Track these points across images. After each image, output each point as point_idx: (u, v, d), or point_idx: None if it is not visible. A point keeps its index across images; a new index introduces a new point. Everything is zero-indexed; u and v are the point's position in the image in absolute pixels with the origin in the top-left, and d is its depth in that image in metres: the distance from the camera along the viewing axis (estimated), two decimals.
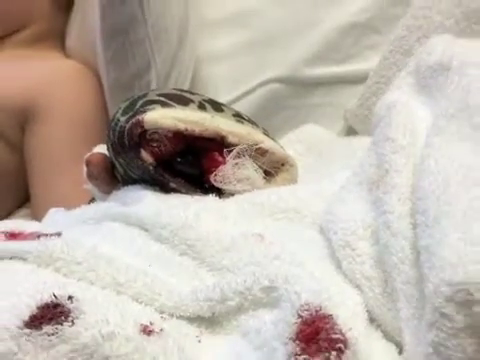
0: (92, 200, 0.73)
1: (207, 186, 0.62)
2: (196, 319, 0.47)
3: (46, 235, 0.53)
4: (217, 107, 0.64)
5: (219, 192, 0.61)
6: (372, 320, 0.46)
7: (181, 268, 0.51)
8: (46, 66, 0.97)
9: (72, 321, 0.41)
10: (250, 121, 0.66)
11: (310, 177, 0.70)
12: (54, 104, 0.93)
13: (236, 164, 0.61)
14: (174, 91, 0.65)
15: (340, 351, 0.38)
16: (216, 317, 0.47)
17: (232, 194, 0.61)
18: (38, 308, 0.42)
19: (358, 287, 0.47)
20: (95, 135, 0.92)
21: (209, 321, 0.47)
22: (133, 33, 0.87)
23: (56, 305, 0.42)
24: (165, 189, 0.62)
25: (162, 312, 0.47)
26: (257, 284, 0.46)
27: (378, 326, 0.46)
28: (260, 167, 0.63)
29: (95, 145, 0.72)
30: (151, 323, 0.44)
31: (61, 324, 0.41)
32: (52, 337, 0.40)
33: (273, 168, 0.64)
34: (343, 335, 0.39)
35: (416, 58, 0.62)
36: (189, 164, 0.62)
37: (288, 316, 0.41)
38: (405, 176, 0.49)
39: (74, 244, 0.50)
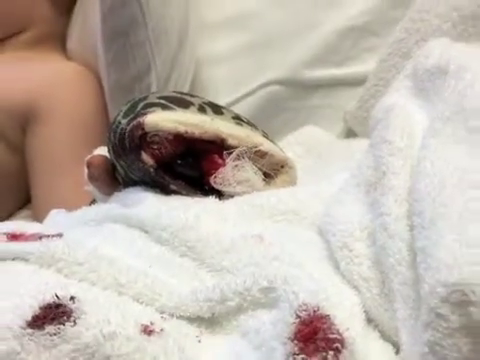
0: (93, 201, 0.73)
1: (207, 188, 0.62)
2: (196, 319, 0.47)
3: (48, 236, 0.53)
4: (217, 110, 0.65)
5: (219, 194, 0.61)
6: (369, 320, 0.46)
7: (181, 269, 0.52)
8: (47, 68, 0.98)
9: (74, 321, 0.42)
10: (249, 123, 0.66)
11: (309, 179, 0.71)
12: (55, 106, 0.93)
13: (236, 166, 0.61)
14: (174, 94, 0.65)
15: (337, 351, 0.39)
16: (216, 317, 0.47)
17: (232, 196, 0.61)
18: (40, 308, 0.43)
19: (356, 288, 0.47)
20: (96, 137, 0.92)
21: (209, 321, 0.47)
22: (134, 36, 0.88)
23: (58, 305, 0.43)
24: (165, 191, 0.62)
25: (162, 312, 0.47)
26: (256, 285, 0.46)
27: (375, 326, 0.46)
28: (259, 169, 0.63)
29: (96, 147, 0.73)
30: (152, 323, 0.44)
31: (63, 324, 0.42)
32: (54, 337, 0.41)
33: (272, 170, 0.64)
34: (340, 335, 0.40)
35: (414, 61, 0.62)
36: (189, 166, 0.62)
37: (286, 316, 0.41)
38: (402, 178, 0.49)
39: (76, 245, 0.50)
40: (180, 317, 0.47)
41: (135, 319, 0.44)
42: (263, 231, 0.54)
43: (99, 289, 0.47)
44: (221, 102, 0.90)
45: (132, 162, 0.62)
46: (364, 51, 0.97)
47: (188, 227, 0.54)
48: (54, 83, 0.95)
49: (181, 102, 0.63)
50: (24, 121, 0.92)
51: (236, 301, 0.46)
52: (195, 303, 0.47)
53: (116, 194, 0.66)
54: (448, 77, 0.54)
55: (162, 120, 0.60)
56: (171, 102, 0.63)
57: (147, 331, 0.43)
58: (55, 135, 0.92)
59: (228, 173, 0.61)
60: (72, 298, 0.44)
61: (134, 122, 0.60)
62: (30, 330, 0.41)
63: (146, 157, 0.61)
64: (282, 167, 0.65)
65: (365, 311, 0.46)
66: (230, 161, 0.61)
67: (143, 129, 0.60)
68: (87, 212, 0.64)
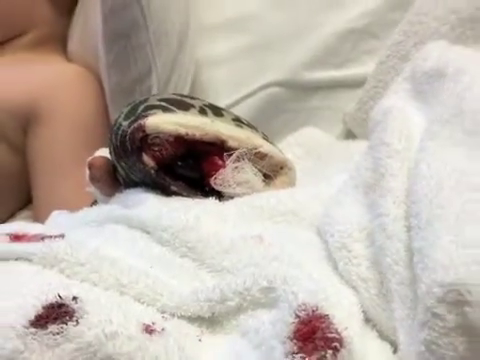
0: (94, 203, 0.74)
1: (207, 189, 0.62)
2: (197, 319, 0.48)
3: (50, 237, 0.54)
4: (217, 112, 0.65)
5: (219, 195, 0.62)
6: (368, 320, 0.47)
7: (182, 269, 0.52)
8: (48, 70, 0.98)
9: (76, 321, 0.42)
10: (249, 125, 0.67)
11: (308, 180, 0.71)
12: (56, 107, 0.93)
13: (236, 168, 0.62)
14: (175, 96, 0.66)
15: (336, 350, 0.39)
16: (216, 317, 0.48)
17: (232, 197, 0.62)
18: (43, 308, 0.43)
19: (354, 288, 0.48)
20: (96, 138, 0.92)
21: (209, 321, 0.48)
22: (135, 38, 0.88)
23: (61, 305, 0.43)
24: (166, 192, 0.63)
25: (163, 312, 0.48)
26: (256, 285, 0.47)
27: (373, 326, 0.47)
28: (259, 171, 0.64)
29: (96, 148, 0.73)
30: (153, 323, 0.45)
31: (66, 323, 0.42)
32: (57, 336, 0.42)
33: (272, 171, 0.65)
34: (339, 334, 0.40)
35: (412, 64, 0.63)
36: (190, 168, 0.63)
37: (286, 316, 0.42)
38: (400, 180, 0.50)
39: (78, 246, 0.51)
40: (181, 317, 0.48)
41: (137, 319, 0.44)
42: (263, 232, 0.55)
43: (101, 289, 0.48)
44: (221, 103, 0.90)
45: (133, 164, 0.63)
46: (363, 53, 0.97)
47: (189, 228, 0.54)
48: (55, 85, 0.95)
49: (182, 104, 0.64)
50: (25, 122, 0.93)
51: (236, 301, 0.47)
52: (196, 303, 0.48)
53: (117, 195, 0.67)
54: (446, 80, 0.55)
55: (163, 122, 0.61)
56: (172, 104, 0.63)
57: (148, 330, 0.44)
58: (56, 136, 0.92)
59: (228, 174, 0.62)
60: (74, 298, 0.44)
61: (135, 124, 0.61)
62: (33, 329, 0.42)
63: (147, 159, 0.61)
64: (281, 168, 0.66)
65: (363, 311, 0.47)
66: (230, 163, 0.62)
67: (144, 131, 0.60)
68: (89, 213, 0.65)
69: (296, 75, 0.97)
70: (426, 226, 0.43)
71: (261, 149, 0.64)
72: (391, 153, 0.52)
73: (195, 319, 0.48)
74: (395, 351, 0.45)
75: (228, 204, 0.60)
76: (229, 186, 0.61)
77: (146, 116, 0.61)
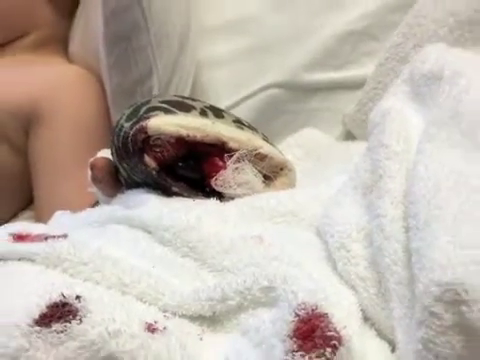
0: (96, 203, 0.74)
1: (208, 190, 0.63)
2: (198, 318, 0.48)
3: (53, 237, 0.54)
4: (218, 113, 0.66)
5: (220, 196, 0.62)
6: (366, 319, 0.47)
7: (183, 269, 0.53)
8: (49, 71, 0.98)
9: (80, 319, 0.43)
10: (250, 127, 0.67)
11: (308, 181, 0.71)
12: (58, 108, 0.93)
13: (236, 169, 0.62)
14: (176, 98, 0.66)
15: (334, 348, 0.40)
16: (217, 316, 0.48)
17: (232, 198, 0.62)
18: (47, 307, 0.44)
19: (353, 287, 0.48)
20: (98, 139, 0.93)
21: (210, 320, 0.49)
22: (136, 40, 0.88)
23: (64, 304, 0.44)
24: (167, 193, 0.63)
25: (165, 311, 0.48)
26: (256, 284, 0.47)
27: (372, 325, 0.47)
28: (259, 172, 0.64)
29: (98, 149, 0.73)
30: (155, 322, 0.45)
31: (69, 322, 0.43)
32: (61, 334, 0.42)
33: (272, 173, 0.65)
34: (338, 333, 0.41)
35: (410, 66, 0.63)
36: (191, 169, 0.63)
37: (286, 315, 0.43)
38: (398, 181, 0.50)
39: (80, 246, 0.51)
40: (182, 316, 0.48)
41: (139, 317, 0.45)
42: (263, 232, 0.55)
43: (103, 288, 0.48)
44: (221, 105, 0.91)
45: (135, 165, 0.63)
46: (363, 55, 0.97)
47: (190, 228, 0.55)
48: (56, 86, 0.95)
49: (183, 106, 0.64)
50: (27, 123, 0.93)
51: (237, 300, 0.48)
52: (197, 302, 0.48)
53: (119, 196, 0.67)
54: (443, 83, 0.55)
55: (164, 124, 0.61)
56: (173, 106, 0.64)
57: (151, 329, 0.44)
58: (57, 137, 0.93)
59: (229, 175, 0.62)
60: (78, 297, 0.45)
61: (137, 126, 0.61)
62: (38, 328, 0.42)
63: (149, 160, 0.62)
64: (281, 169, 0.66)
65: (362, 310, 0.47)
66: (231, 164, 0.62)
67: (146, 133, 0.61)
68: (91, 214, 0.65)
69: (296, 77, 0.97)
70: (424, 227, 0.43)
71: (261, 150, 0.64)
72: (389, 155, 0.52)
73: (196, 318, 0.48)
74: (393, 350, 0.45)
75: (229, 205, 0.61)
76: (230, 187, 0.62)
77: (148, 118, 0.61)
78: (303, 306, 0.42)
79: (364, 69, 0.96)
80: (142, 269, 0.50)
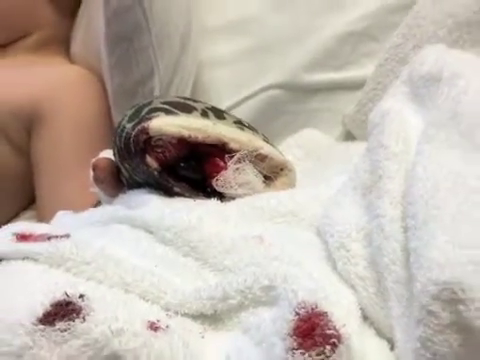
0: (97, 203, 0.75)
1: (209, 190, 0.63)
2: (200, 316, 0.49)
3: (56, 237, 0.55)
4: (219, 114, 0.66)
5: (221, 196, 0.63)
6: (365, 318, 0.48)
7: (185, 268, 0.53)
8: (51, 71, 0.98)
9: (83, 318, 0.43)
10: (250, 128, 0.68)
11: (308, 181, 0.72)
12: (59, 108, 0.94)
13: (237, 169, 0.63)
14: (178, 99, 0.67)
15: (334, 345, 0.41)
16: (218, 314, 0.49)
17: (233, 198, 0.63)
18: (51, 306, 0.44)
19: (352, 287, 0.49)
20: (99, 139, 0.93)
21: (212, 318, 0.49)
22: (137, 41, 0.88)
23: (68, 303, 0.44)
24: (169, 193, 0.64)
25: (168, 310, 0.49)
26: (257, 283, 0.48)
27: (371, 324, 0.48)
28: (260, 172, 0.65)
29: (99, 149, 0.74)
30: (158, 320, 0.46)
31: (73, 320, 0.43)
32: (65, 333, 0.43)
33: (272, 173, 0.66)
34: (337, 331, 0.41)
35: (410, 67, 0.63)
36: (192, 169, 0.64)
37: (286, 313, 0.43)
38: (397, 182, 0.51)
39: (83, 245, 0.52)
40: (184, 314, 0.49)
41: (141, 316, 0.45)
42: (263, 232, 0.56)
43: (106, 287, 0.49)
44: (222, 105, 0.91)
45: (137, 165, 0.64)
46: (363, 56, 0.97)
47: (191, 228, 0.55)
48: (58, 86, 0.95)
49: (184, 107, 0.65)
50: (29, 123, 0.93)
51: (238, 299, 0.48)
52: (198, 301, 0.49)
53: (121, 196, 0.68)
54: (441, 84, 0.55)
55: (166, 125, 0.62)
56: (175, 107, 0.64)
57: (153, 327, 0.45)
58: (59, 138, 0.93)
59: (230, 176, 0.62)
60: (81, 296, 0.45)
61: (139, 127, 0.62)
62: (42, 326, 0.43)
63: (150, 160, 0.62)
64: (282, 170, 0.67)
65: (361, 309, 0.48)
66: (232, 164, 0.63)
67: (148, 133, 0.61)
68: (93, 213, 0.65)
69: (296, 77, 0.97)
70: (422, 227, 0.44)
71: (262, 151, 0.65)
72: (388, 155, 0.53)
73: (198, 316, 0.49)
74: (392, 348, 0.46)
75: (229, 205, 0.61)
76: (230, 187, 0.62)
77: (150, 119, 0.62)
78: (303, 305, 0.43)
79: (364, 70, 0.96)
80: (144, 268, 0.51)
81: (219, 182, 0.63)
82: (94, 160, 0.70)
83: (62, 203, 0.87)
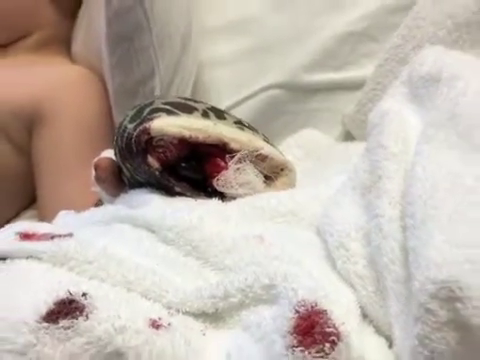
0: (99, 203, 0.75)
1: (210, 190, 0.64)
2: (201, 315, 0.50)
3: (59, 236, 0.55)
4: (220, 115, 0.66)
5: (222, 196, 0.63)
6: (365, 316, 0.48)
7: (186, 268, 0.54)
8: (52, 71, 0.98)
9: (86, 316, 0.44)
10: (251, 128, 0.68)
11: (308, 181, 0.72)
12: (60, 108, 0.94)
13: (237, 169, 0.63)
14: (179, 99, 0.67)
15: (333, 343, 0.41)
16: (219, 313, 0.49)
17: (234, 198, 0.63)
18: (54, 304, 0.45)
19: (352, 285, 0.49)
20: (100, 139, 0.93)
21: (213, 316, 0.50)
22: (138, 41, 0.89)
23: (71, 301, 0.45)
24: (170, 193, 0.64)
25: (169, 308, 0.49)
26: (258, 282, 0.48)
27: (370, 322, 0.48)
28: (260, 172, 0.65)
29: (100, 148, 0.74)
30: (159, 318, 0.46)
31: (76, 318, 0.44)
32: (68, 330, 0.43)
33: (273, 173, 0.66)
34: (336, 329, 0.42)
35: (409, 68, 0.64)
36: (193, 169, 0.64)
37: (286, 311, 0.44)
38: (396, 182, 0.51)
39: (86, 244, 0.52)
40: (186, 313, 0.49)
41: (144, 314, 0.46)
42: (264, 232, 0.56)
43: (109, 286, 0.49)
44: (223, 105, 0.92)
45: (138, 165, 0.64)
46: (362, 56, 0.97)
47: (192, 228, 0.56)
48: (59, 86, 0.95)
49: (185, 107, 0.65)
50: (30, 123, 0.93)
51: (238, 297, 0.49)
52: (200, 299, 0.49)
53: (122, 196, 0.68)
54: (440, 85, 0.56)
55: (167, 125, 0.62)
56: (176, 108, 0.64)
57: (155, 325, 0.45)
58: (60, 137, 0.93)
59: (230, 176, 0.63)
60: (84, 294, 0.46)
61: (140, 127, 0.62)
62: (45, 324, 0.43)
63: (152, 160, 0.63)
64: (282, 170, 0.67)
65: (360, 307, 0.48)
66: (232, 164, 0.63)
67: (149, 134, 0.62)
68: (95, 213, 0.66)
69: (296, 77, 0.97)
70: (420, 226, 0.44)
71: (262, 151, 0.65)
72: (388, 156, 0.53)
73: (199, 315, 0.49)
74: (391, 346, 0.46)
75: (230, 205, 0.61)
76: (231, 187, 0.63)
77: (151, 119, 0.62)
78: (303, 303, 0.43)
79: (363, 70, 0.96)
80: (146, 267, 0.51)
81: (220, 182, 0.63)
82: (96, 160, 0.70)
83: (63, 203, 0.87)
